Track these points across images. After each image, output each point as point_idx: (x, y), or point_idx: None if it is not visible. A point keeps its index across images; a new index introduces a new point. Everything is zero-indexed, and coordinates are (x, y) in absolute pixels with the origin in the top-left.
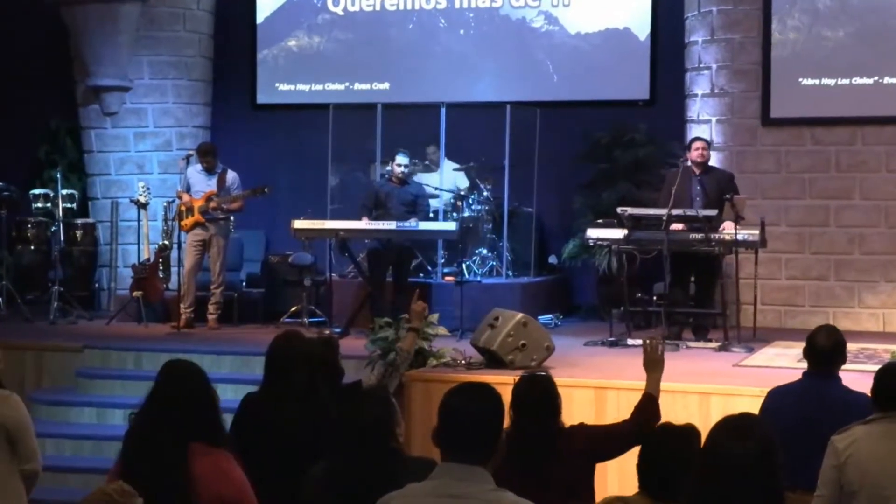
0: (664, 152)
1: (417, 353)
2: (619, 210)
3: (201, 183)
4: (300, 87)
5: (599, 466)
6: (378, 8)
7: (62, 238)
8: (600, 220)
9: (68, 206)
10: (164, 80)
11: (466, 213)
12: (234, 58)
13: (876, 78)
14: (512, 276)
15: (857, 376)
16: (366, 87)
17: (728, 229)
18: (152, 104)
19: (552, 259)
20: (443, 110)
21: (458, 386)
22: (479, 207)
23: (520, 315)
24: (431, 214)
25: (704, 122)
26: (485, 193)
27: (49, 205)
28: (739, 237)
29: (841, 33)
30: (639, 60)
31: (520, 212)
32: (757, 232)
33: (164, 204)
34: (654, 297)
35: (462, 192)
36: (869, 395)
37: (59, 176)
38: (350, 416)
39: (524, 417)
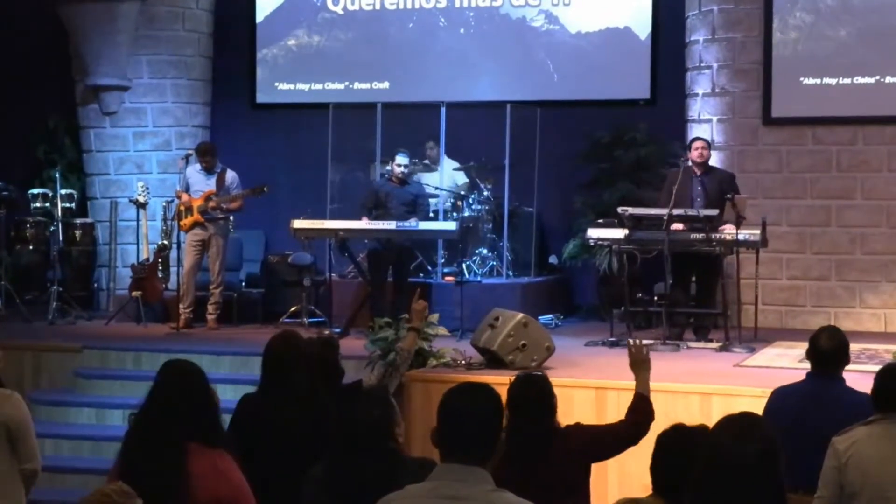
0: (665, 152)
1: (417, 353)
2: (619, 210)
3: (200, 182)
4: (300, 86)
5: (599, 467)
6: (378, 7)
7: (61, 238)
8: (601, 220)
9: (67, 205)
10: (164, 80)
11: (466, 213)
12: (234, 57)
13: (877, 77)
14: (512, 276)
15: (859, 377)
16: (366, 86)
17: (729, 230)
18: (151, 103)
19: (552, 259)
20: (443, 110)
21: (458, 386)
22: (479, 207)
23: (520, 315)
24: (431, 214)
25: (705, 122)
26: (485, 193)
27: (48, 204)
28: (740, 237)
29: (842, 33)
30: (639, 60)
31: (520, 211)
32: (758, 232)
33: (164, 204)
34: (655, 298)
35: (462, 192)
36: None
37: (57, 175)
38: (350, 417)
39: (520, 417)
